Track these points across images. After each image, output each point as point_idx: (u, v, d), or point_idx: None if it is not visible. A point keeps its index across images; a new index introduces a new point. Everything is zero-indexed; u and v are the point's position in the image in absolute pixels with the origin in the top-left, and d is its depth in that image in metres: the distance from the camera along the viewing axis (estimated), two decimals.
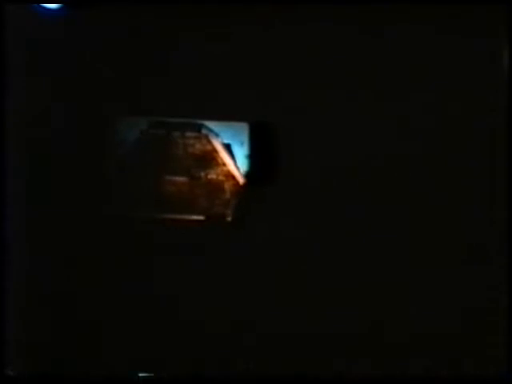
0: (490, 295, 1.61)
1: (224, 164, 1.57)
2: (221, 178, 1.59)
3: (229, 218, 1.58)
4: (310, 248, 1.65)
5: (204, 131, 1.57)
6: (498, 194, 1.61)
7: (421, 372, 1.61)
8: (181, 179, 1.57)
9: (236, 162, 1.59)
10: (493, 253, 1.61)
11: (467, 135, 1.63)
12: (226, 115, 1.59)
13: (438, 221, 1.64)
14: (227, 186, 1.59)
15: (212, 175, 1.58)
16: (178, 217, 1.57)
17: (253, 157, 1.59)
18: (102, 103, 1.64)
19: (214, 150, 1.57)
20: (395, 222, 1.65)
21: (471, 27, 1.61)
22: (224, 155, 1.57)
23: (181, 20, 1.66)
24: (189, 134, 1.57)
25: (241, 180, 1.58)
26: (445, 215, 1.64)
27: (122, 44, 1.67)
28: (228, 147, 1.59)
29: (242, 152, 1.60)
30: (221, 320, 1.66)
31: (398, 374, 1.61)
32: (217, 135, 1.58)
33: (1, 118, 1.62)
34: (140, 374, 1.64)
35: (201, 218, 1.57)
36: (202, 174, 1.57)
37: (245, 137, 1.60)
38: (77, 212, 1.68)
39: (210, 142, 1.56)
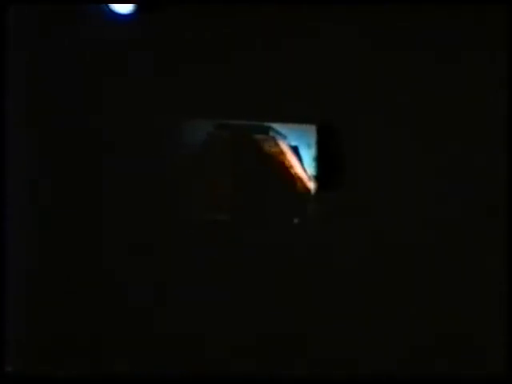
0: (489, 295, 1.61)
1: (291, 166, 1.55)
2: (287, 180, 1.57)
3: (295, 221, 1.58)
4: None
5: (271, 133, 1.55)
6: (498, 193, 1.61)
7: (421, 372, 1.62)
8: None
9: (303, 165, 1.56)
10: (493, 252, 1.61)
11: (467, 134, 1.64)
12: (294, 117, 1.58)
13: (439, 221, 1.64)
14: (294, 188, 1.57)
15: (278, 178, 1.56)
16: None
17: (320, 159, 1.57)
18: (168, 105, 1.64)
19: (281, 153, 1.55)
20: (395, 222, 1.65)
21: (471, 27, 1.62)
22: (291, 157, 1.55)
23: (251, 21, 1.65)
24: (256, 136, 1.54)
25: (308, 183, 1.56)
26: (445, 215, 1.64)
27: (192, 45, 1.67)
28: (295, 149, 1.56)
29: (309, 154, 1.57)
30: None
31: (399, 373, 1.62)
32: (284, 137, 1.56)
33: (2, 118, 1.62)
34: (140, 374, 1.64)
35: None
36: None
37: (312, 139, 1.57)
38: (77, 212, 1.68)
39: (277, 145, 1.54)
